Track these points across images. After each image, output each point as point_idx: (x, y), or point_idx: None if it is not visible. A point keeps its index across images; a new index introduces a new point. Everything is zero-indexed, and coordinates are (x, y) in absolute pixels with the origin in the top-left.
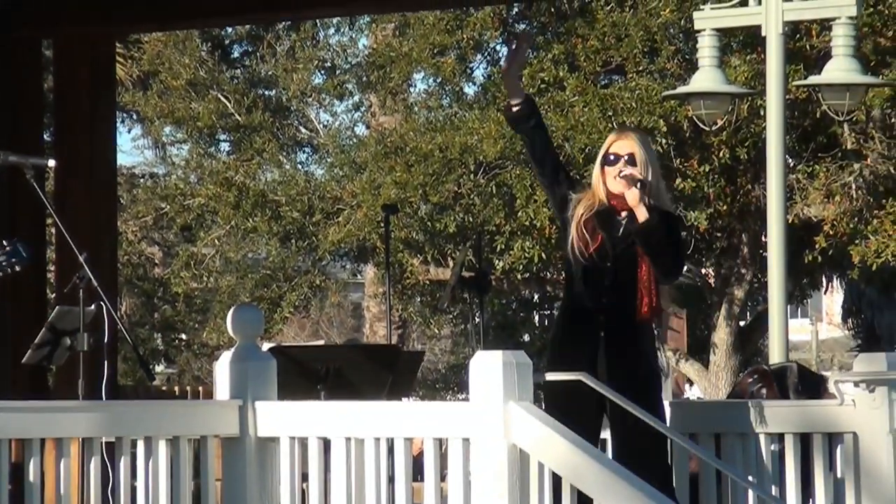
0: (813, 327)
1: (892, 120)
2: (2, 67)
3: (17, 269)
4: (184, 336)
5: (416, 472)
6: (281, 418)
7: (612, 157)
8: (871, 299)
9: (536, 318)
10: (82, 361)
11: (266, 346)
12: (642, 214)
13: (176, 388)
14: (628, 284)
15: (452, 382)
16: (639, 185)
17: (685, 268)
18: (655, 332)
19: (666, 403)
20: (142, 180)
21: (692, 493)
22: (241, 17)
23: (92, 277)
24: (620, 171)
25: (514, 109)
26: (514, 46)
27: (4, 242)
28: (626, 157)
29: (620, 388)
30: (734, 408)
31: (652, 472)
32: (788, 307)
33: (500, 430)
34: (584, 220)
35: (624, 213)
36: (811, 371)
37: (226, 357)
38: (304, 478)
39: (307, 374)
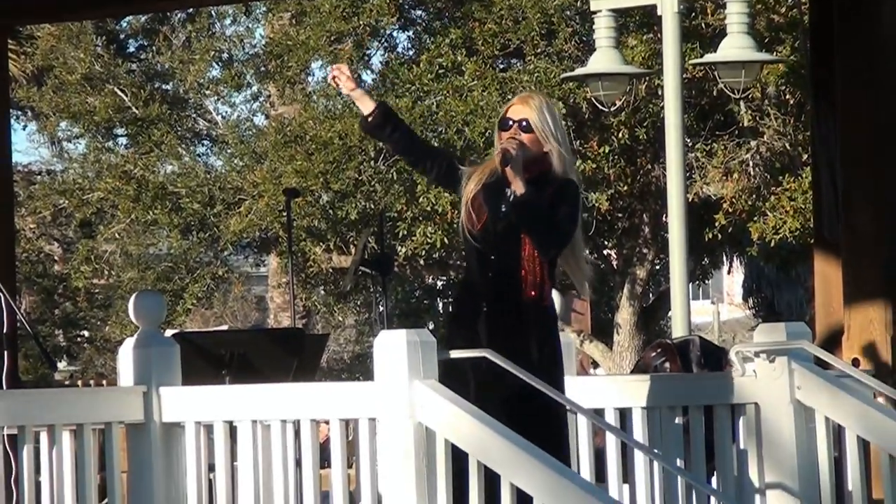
0: (714, 308)
1: (787, 97)
2: None
3: None
4: (86, 332)
5: (324, 459)
6: (186, 403)
7: (508, 122)
8: (770, 278)
9: (440, 304)
10: None
11: (169, 332)
12: (518, 188)
13: (79, 383)
14: (514, 261)
15: (358, 371)
16: (507, 160)
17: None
18: (554, 312)
19: (571, 380)
20: (39, 177)
21: (598, 468)
22: (136, 6)
23: None
24: (500, 145)
25: (368, 120)
26: None
27: None
28: (518, 122)
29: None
30: (638, 381)
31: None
32: (690, 287)
33: (405, 409)
34: (473, 195)
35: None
36: (713, 344)
37: (129, 343)
38: (211, 468)
39: (211, 360)
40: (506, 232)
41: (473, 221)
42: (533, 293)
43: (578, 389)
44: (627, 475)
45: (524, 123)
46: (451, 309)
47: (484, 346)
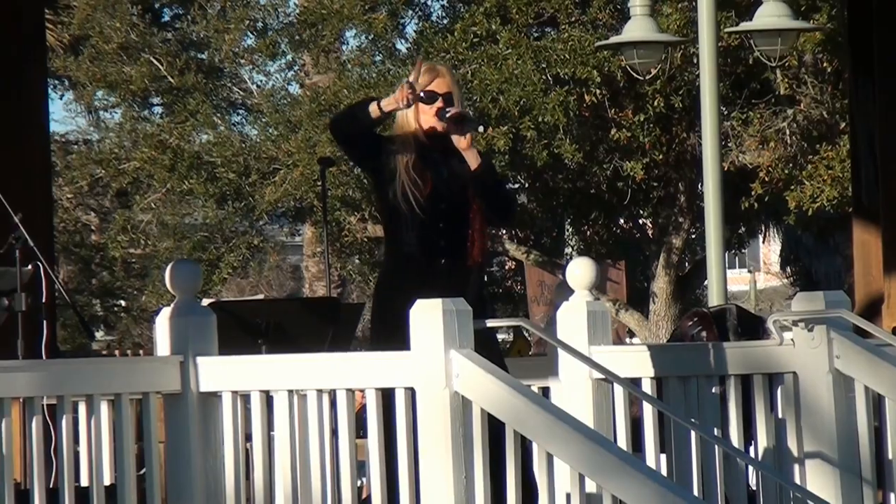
0: (751, 277)
1: (824, 65)
2: None
3: None
4: (123, 302)
5: (358, 428)
6: (222, 373)
7: (433, 95)
8: (807, 246)
9: None
10: (20, 322)
11: (205, 301)
12: (475, 159)
13: (116, 353)
14: (461, 227)
15: None
16: (470, 125)
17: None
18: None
19: (607, 349)
20: (76, 147)
21: (634, 437)
22: None
23: (28, 237)
24: (446, 111)
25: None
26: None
27: None
28: (443, 96)
29: None
30: (674, 351)
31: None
32: (726, 256)
33: (442, 378)
34: (413, 163)
35: (440, 153)
36: (750, 312)
37: (165, 313)
38: (248, 438)
39: (247, 329)
40: (455, 197)
41: (421, 189)
42: (479, 258)
43: (614, 358)
44: (664, 445)
45: (448, 97)
46: (387, 284)
47: None
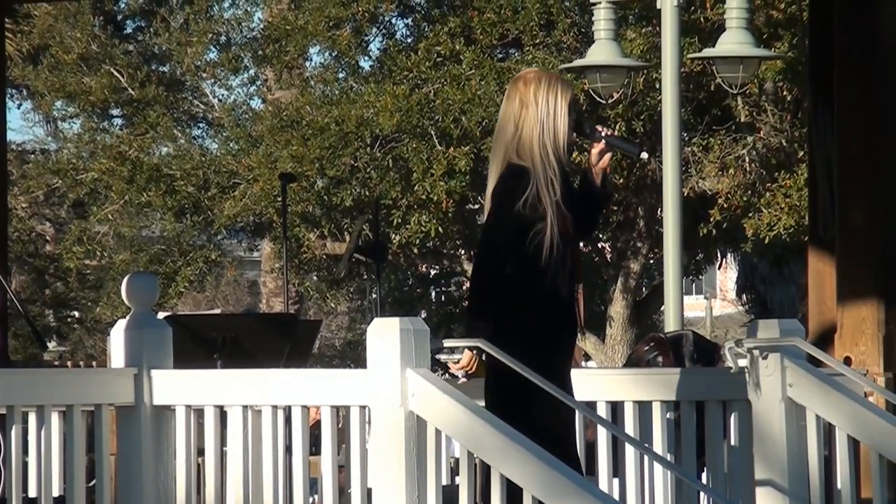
0: (707, 303)
1: (784, 93)
2: None
3: None
4: (76, 313)
5: (312, 444)
6: (177, 386)
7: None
8: (763, 274)
9: (433, 293)
10: None
11: (161, 315)
12: (601, 176)
13: (69, 364)
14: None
15: (349, 358)
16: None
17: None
18: None
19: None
20: (32, 156)
21: (588, 461)
22: None
23: None
24: (602, 132)
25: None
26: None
27: None
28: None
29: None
30: (630, 375)
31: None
32: (683, 283)
33: (397, 397)
34: (562, 199)
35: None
36: (706, 339)
37: (121, 325)
38: (200, 452)
39: (203, 343)
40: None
41: (569, 225)
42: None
43: (555, 383)
44: (617, 469)
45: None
46: (540, 339)
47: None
